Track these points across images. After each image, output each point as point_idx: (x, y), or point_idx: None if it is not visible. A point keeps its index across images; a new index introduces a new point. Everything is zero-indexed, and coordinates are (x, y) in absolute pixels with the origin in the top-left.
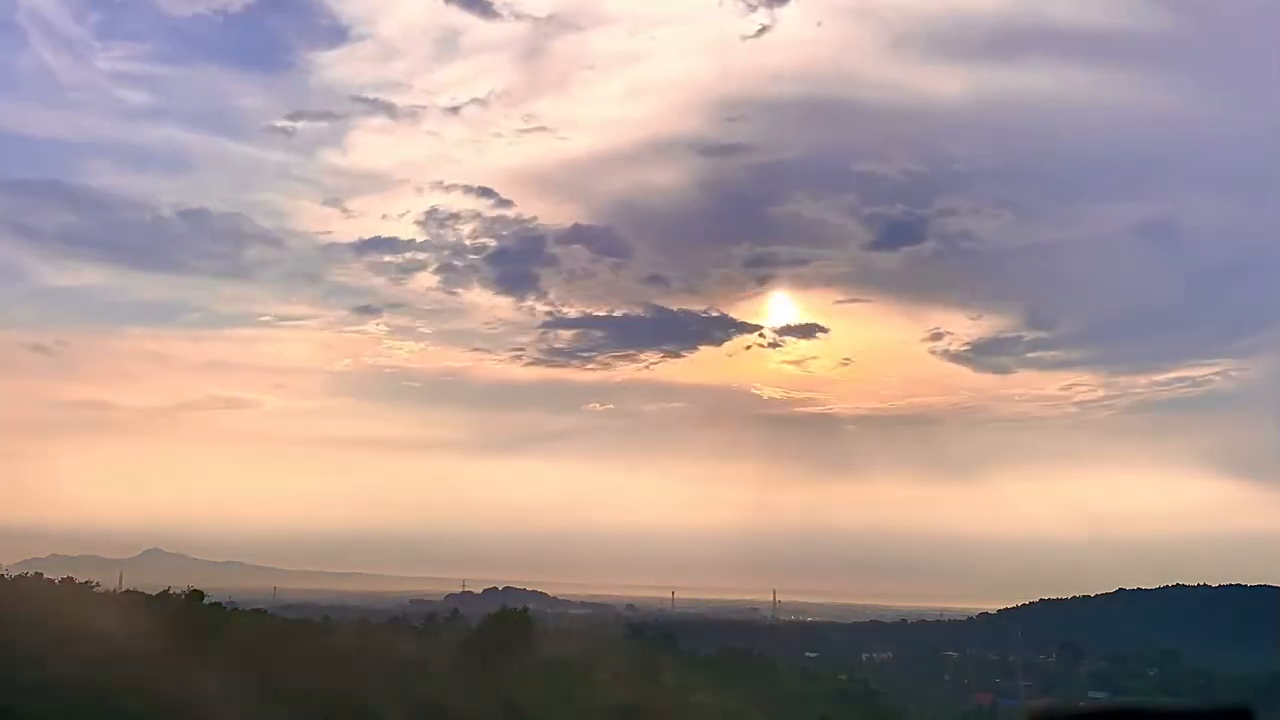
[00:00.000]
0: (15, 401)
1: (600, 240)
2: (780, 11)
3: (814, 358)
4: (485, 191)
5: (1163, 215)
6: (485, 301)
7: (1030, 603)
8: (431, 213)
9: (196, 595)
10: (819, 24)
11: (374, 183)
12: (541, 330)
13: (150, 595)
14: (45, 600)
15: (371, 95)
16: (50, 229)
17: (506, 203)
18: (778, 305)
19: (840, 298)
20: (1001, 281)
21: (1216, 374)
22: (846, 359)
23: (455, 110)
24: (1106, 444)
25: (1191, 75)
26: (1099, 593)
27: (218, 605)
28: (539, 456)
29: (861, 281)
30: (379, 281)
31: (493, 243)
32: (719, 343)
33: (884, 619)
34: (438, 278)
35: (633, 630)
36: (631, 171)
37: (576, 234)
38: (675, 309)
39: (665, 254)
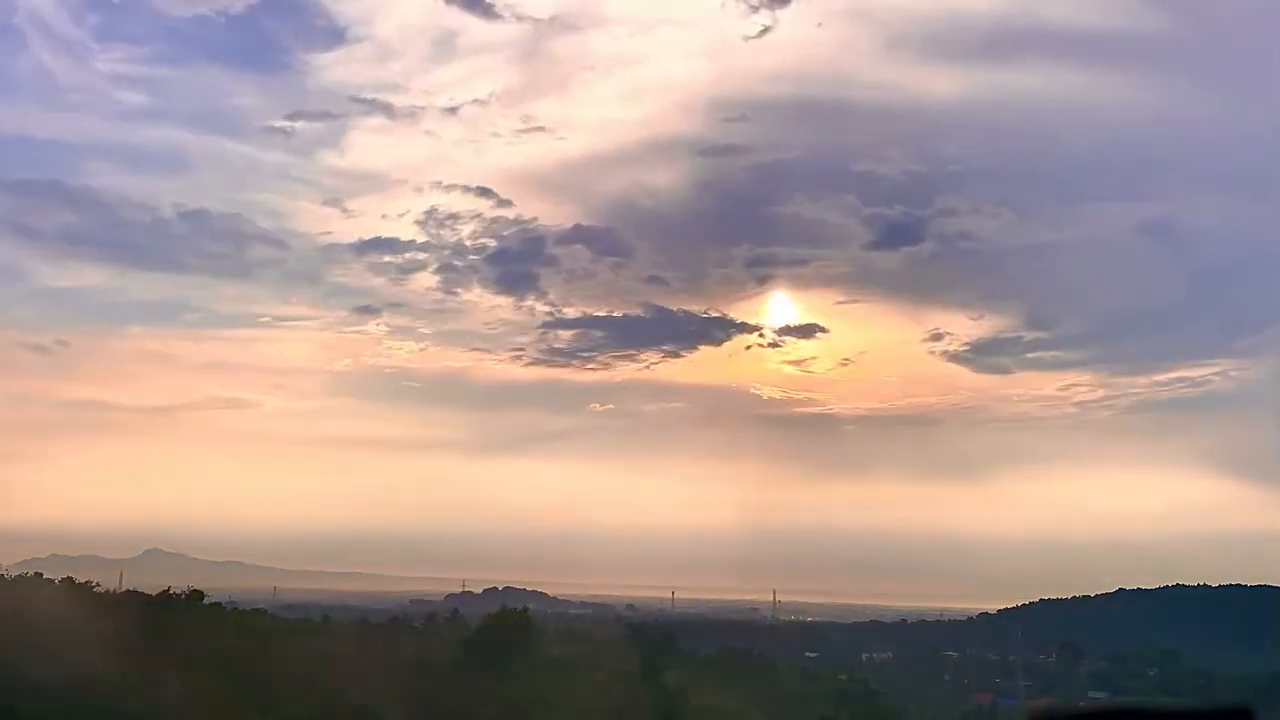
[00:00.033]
0: (15, 401)
1: (600, 240)
2: (781, 13)
3: (814, 358)
4: (485, 192)
5: (1161, 216)
6: (485, 302)
7: (1030, 603)
8: (431, 213)
9: (196, 595)
10: (819, 25)
11: (373, 183)
12: (542, 330)
13: (150, 595)
14: (45, 600)
15: (370, 96)
16: (50, 229)
17: (507, 203)
18: (777, 305)
19: (840, 298)
20: (1001, 282)
21: (1216, 374)
22: (846, 359)
23: (454, 111)
24: (1106, 444)
25: (1188, 76)
26: (1099, 593)
27: (218, 605)
28: (539, 456)
29: (861, 282)
30: (379, 282)
31: (493, 243)
32: (719, 343)
33: (884, 619)
34: (438, 278)
35: (633, 630)
36: (632, 172)
37: (577, 234)
38: (675, 309)
39: (665, 254)
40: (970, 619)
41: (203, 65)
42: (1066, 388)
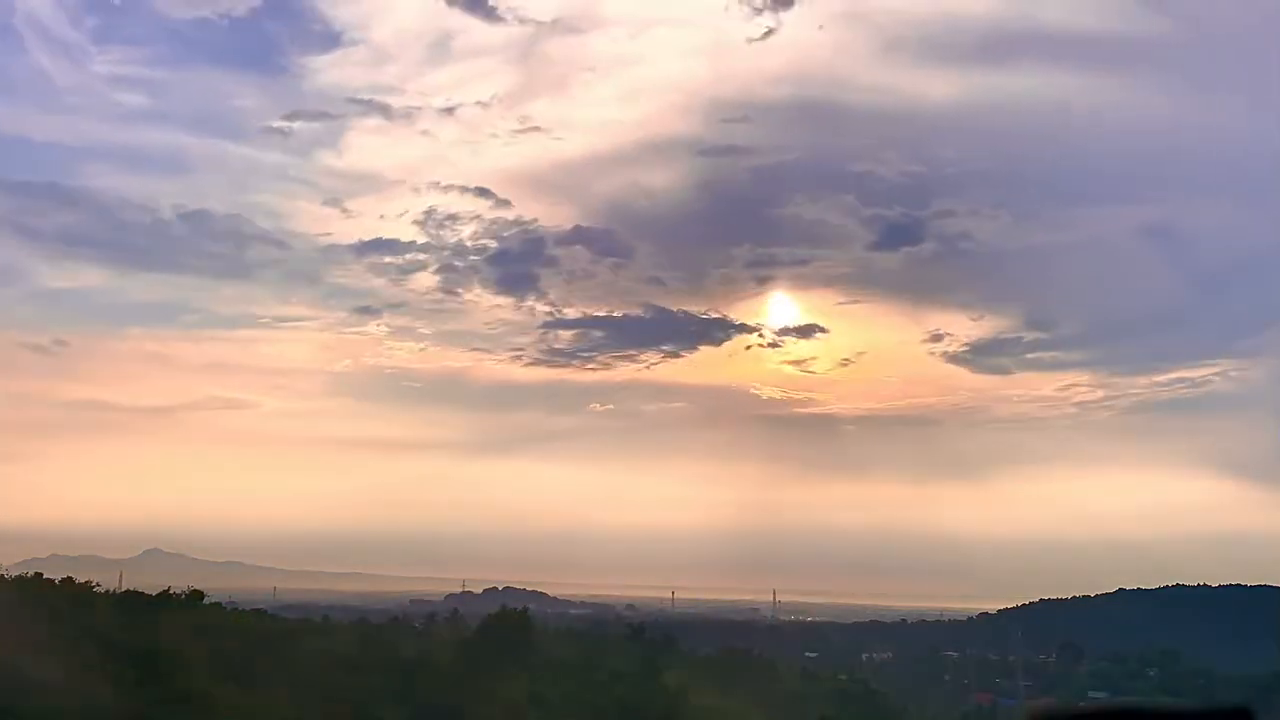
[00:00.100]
0: (15, 402)
1: (600, 241)
2: (785, 15)
3: (814, 358)
4: (484, 192)
5: (1160, 217)
6: (485, 302)
7: (1030, 603)
8: (431, 213)
9: (196, 595)
10: (820, 28)
11: (372, 184)
12: (542, 330)
13: (150, 595)
14: (45, 600)
15: (368, 97)
16: (50, 230)
17: (507, 204)
18: (777, 306)
19: (840, 298)
20: (1001, 283)
21: (1216, 374)
22: (846, 359)
23: (453, 111)
24: (1106, 444)
25: (1186, 78)
26: (1099, 593)
27: (218, 605)
28: (539, 456)
29: (861, 282)
30: (379, 282)
31: (493, 244)
32: (719, 343)
33: (884, 619)
34: (438, 278)
35: (633, 630)
36: (632, 172)
37: (577, 235)
38: (675, 309)
39: (665, 255)
40: (970, 619)
41: (200, 67)
42: (1066, 388)
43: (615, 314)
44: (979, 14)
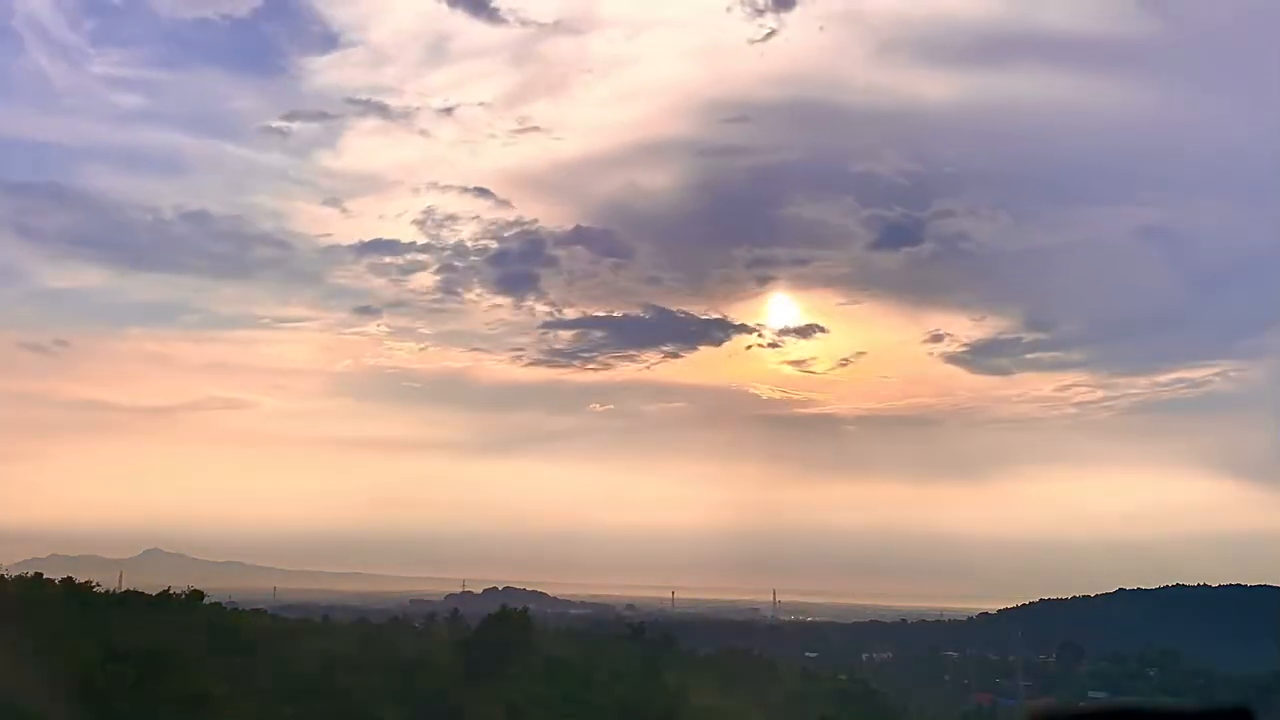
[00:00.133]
0: (15, 402)
1: (601, 241)
2: (786, 16)
3: (814, 358)
4: (484, 193)
5: (1159, 218)
6: (485, 302)
7: (1030, 603)
8: (431, 214)
9: (196, 595)
10: (820, 29)
11: (371, 184)
12: (542, 331)
13: (150, 595)
14: (45, 600)
15: (368, 98)
16: (50, 230)
17: (507, 205)
18: (777, 306)
19: (840, 299)
20: (1000, 283)
21: (1216, 375)
22: (846, 359)
23: (453, 112)
24: (1106, 445)
25: (1183, 79)
26: (1099, 593)
27: (218, 605)
28: (539, 457)
29: (861, 282)
30: (379, 283)
31: (493, 244)
32: (719, 343)
33: (884, 619)
34: (438, 279)
35: (633, 630)
36: (632, 173)
37: (577, 235)
38: (675, 309)
39: (665, 255)
40: (970, 619)
41: (198, 68)
42: (1066, 388)
43: (615, 314)
44: (977, 15)
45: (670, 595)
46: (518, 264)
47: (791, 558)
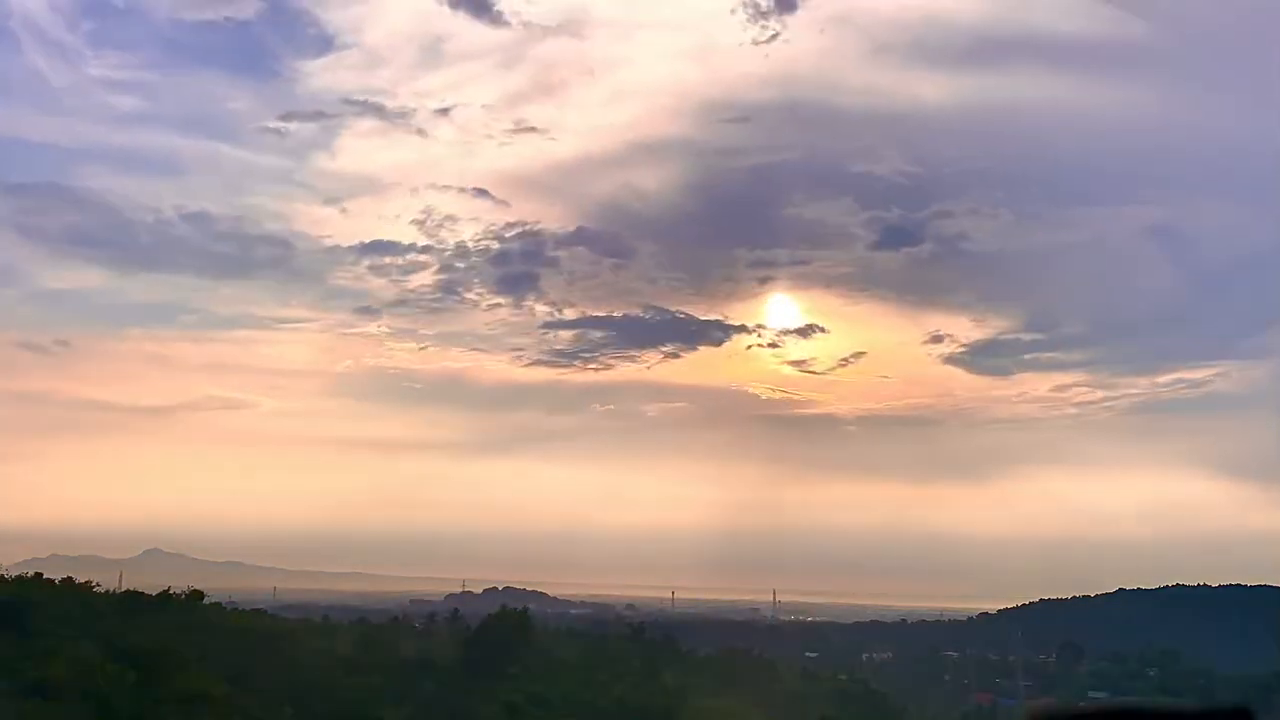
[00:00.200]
0: (15, 402)
1: (601, 242)
2: (788, 19)
3: (814, 358)
4: (484, 194)
5: (1158, 219)
6: (486, 303)
7: (1030, 603)
8: (430, 215)
9: (196, 595)
10: (821, 31)
11: (371, 185)
12: (542, 331)
13: (150, 595)
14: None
15: (365, 98)
16: (50, 231)
17: (508, 206)
18: (777, 306)
19: (839, 299)
20: (1000, 283)
21: (1216, 375)
22: (846, 360)
23: (452, 113)
24: (1106, 445)
25: (1186, 79)
26: (1099, 593)
27: (218, 605)
28: (539, 457)
29: (861, 283)
30: (380, 283)
31: (494, 245)
32: (719, 343)
33: (884, 619)
34: (438, 279)
35: (633, 630)
36: (633, 174)
37: (578, 236)
38: (675, 310)
39: (666, 255)
40: (970, 619)
41: (195, 71)
42: (1066, 389)
43: (615, 314)
44: (976, 16)
45: (670, 595)
46: (518, 264)
47: (791, 558)
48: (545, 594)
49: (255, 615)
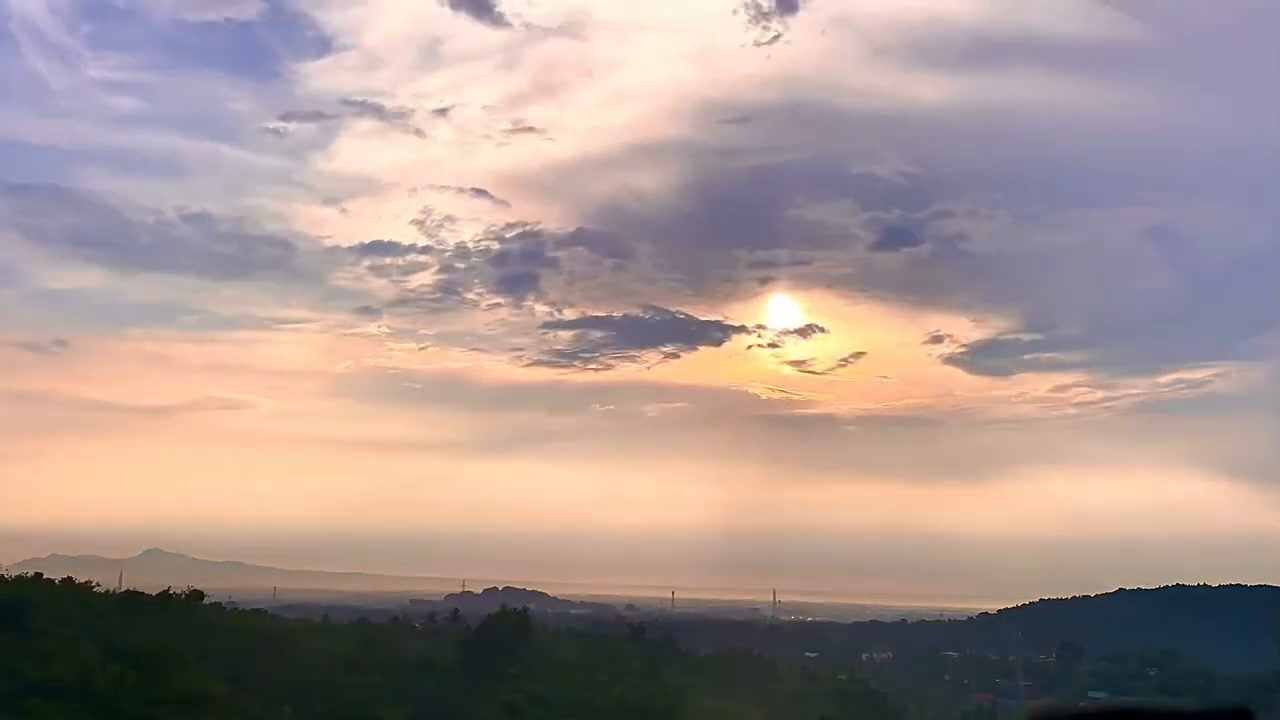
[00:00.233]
0: (15, 402)
1: (602, 242)
2: (790, 20)
3: (813, 358)
4: (483, 194)
5: (1159, 219)
6: (486, 303)
7: (1030, 603)
8: (431, 215)
9: (196, 595)
10: (822, 33)
11: (371, 186)
12: (542, 331)
13: (150, 595)
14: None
15: (364, 99)
16: (50, 231)
17: (508, 206)
18: (777, 306)
19: (839, 299)
20: (1000, 284)
21: (1215, 375)
22: (846, 360)
23: (452, 114)
24: (1106, 445)
25: (1186, 81)
26: (1099, 593)
27: (218, 605)
28: (539, 457)
29: (861, 283)
30: (380, 283)
31: (494, 245)
32: (719, 343)
33: (884, 619)
34: (438, 279)
35: (633, 630)
36: (633, 174)
37: (578, 236)
38: (675, 310)
39: (666, 256)
40: (970, 619)
41: (194, 72)
42: (1066, 389)
43: (615, 315)
44: (975, 18)
45: (670, 595)
46: (518, 265)
47: (791, 558)
48: (545, 594)
49: (255, 615)
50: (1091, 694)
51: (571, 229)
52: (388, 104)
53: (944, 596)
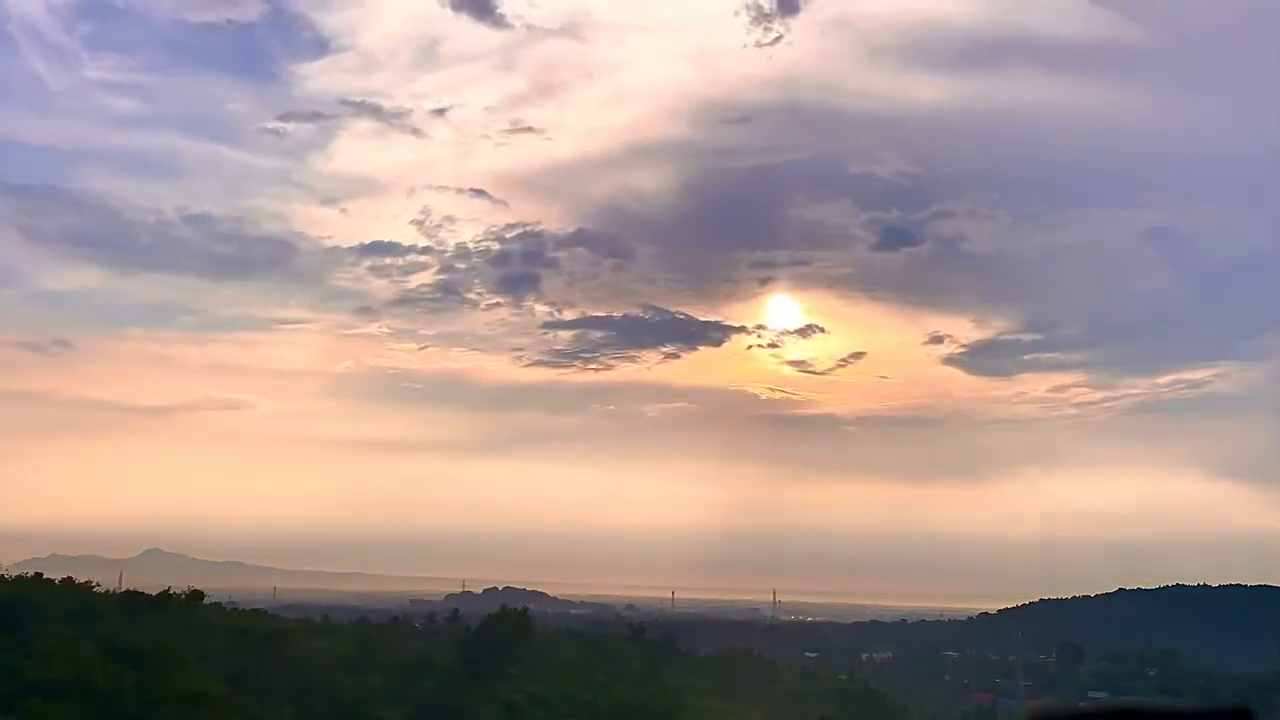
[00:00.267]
0: (16, 402)
1: (602, 243)
2: (790, 21)
3: (813, 359)
4: (482, 194)
5: (1159, 220)
6: (486, 303)
7: (1030, 603)
8: (431, 216)
9: (196, 595)
10: (823, 34)
11: (371, 187)
12: (542, 331)
13: (150, 595)
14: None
15: (363, 100)
16: (50, 232)
17: (507, 207)
18: (777, 306)
19: (839, 300)
20: (1000, 284)
21: (1215, 376)
22: (845, 360)
23: (452, 115)
24: (1106, 445)
25: (1186, 83)
26: (1099, 593)
27: (218, 605)
28: (539, 457)
29: (861, 283)
30: (380, 284)
31: (495, 245)
32: (719, 343)
33: (884, 619)
34: (439, 279)
35: (633, 630)
36: (633, 175)
37: (578, 237)
38: (675, 310)
39: (666, 256)
40: (970, 619)
41: (194, 72)
42: (1066, 389)
43: (615, 315)
44: (973, 19)
45: (670, 595)
46: (518, 265)
47: (791, 558)
48: (545, 594)
49: (255, 615)
50: (1091, 694)
51: (572, 229)
52: (386, 104)
53: (944, 596)
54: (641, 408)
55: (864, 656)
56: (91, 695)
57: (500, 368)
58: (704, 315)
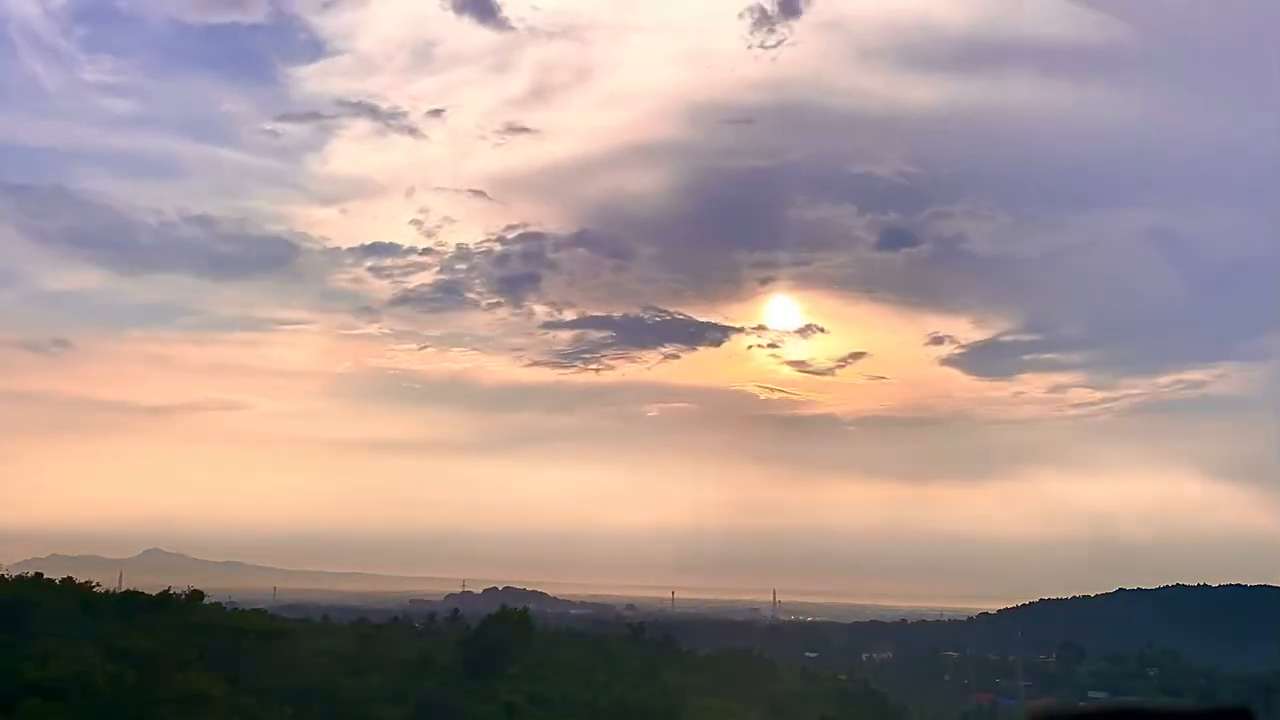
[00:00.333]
0: (16, 402)
1: (602, 243)
2: (793, 23)
3: (813, 359)
4: (481, 195)
5: (1159, 221)
6: (486, 303)
7: (1030, 603)
8: (430, 216)
9: (196, 595)
10: (823, 35)
11: (371, 188)
12: (542, 332)
13: (150, 595)
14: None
15: (361, 100)
16: (50, 232)
17: (506, 207)
18: (777, 307)
19: (839, 300)
20: (1000, 285)
21: (1215, 376)
22: (845, 360)
23: (451, 116)
24: (1106, 445)
25: (1185, 84)
26: (1099, 593)
27: (218, 605)
28: (539, 457)
29: (861, 284)
30: (380, 284)
31: (495, 246)
32: (719, 344)
33: (884, 619)
34: (439, 280)
35: (633, 630)
36: (633, 176)
37: (579, 238)
38: (675, 311)
39: (666, 257)
40: (970, 619)
41: (191, 74)
42: (1065, 390)
43: (615, 315)
44: (970, 21)
45: (670, 595)
46: (518, 265)
47: (791, 558)
48: (545, 594)
49: (255, 615)
50: (1091, 694)
51: (572, 230)
52: (383, 105)
53: (944, 596)
54: (641, 408)
55: (864, 656)
56: (91, 695)
57: (500, 368)
58: (704, 316)
